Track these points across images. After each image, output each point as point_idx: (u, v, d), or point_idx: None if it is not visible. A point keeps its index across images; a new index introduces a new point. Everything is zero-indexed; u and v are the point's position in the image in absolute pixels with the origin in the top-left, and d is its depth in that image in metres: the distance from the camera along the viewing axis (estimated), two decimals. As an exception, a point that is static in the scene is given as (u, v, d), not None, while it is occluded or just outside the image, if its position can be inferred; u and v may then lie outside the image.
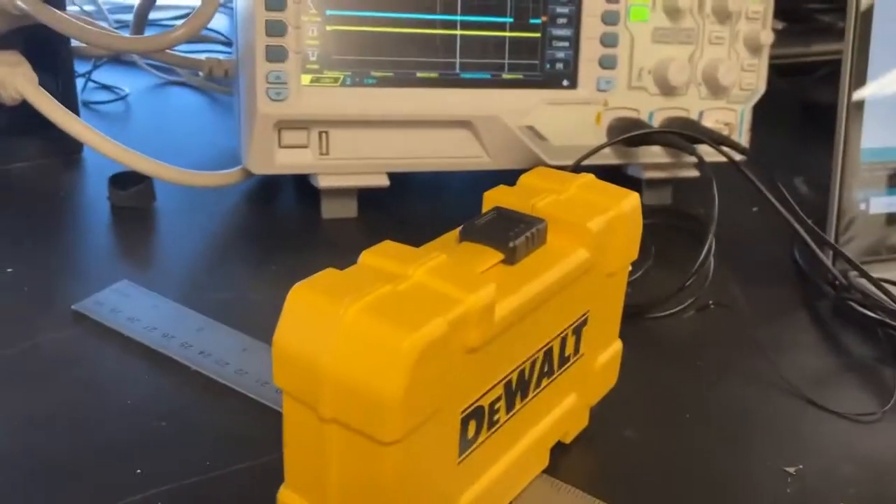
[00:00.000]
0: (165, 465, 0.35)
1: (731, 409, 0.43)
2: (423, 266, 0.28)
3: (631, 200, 0.36)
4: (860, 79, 0.55)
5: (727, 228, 0.63)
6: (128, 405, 0.38)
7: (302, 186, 0.58)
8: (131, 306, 0.44)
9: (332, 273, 0.27)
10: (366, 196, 0.56)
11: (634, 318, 0.49)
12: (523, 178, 0.37)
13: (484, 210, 0.34)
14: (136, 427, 0.37)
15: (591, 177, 0.37)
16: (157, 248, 0.52)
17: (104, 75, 0.81)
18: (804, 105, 0.95)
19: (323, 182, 0.53)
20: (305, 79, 0.51)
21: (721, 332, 0.49)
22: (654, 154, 0.60)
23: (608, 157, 0.59)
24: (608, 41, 0.56)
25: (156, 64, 0.80)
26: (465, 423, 0.29)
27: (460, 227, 0.32)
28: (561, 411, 0.36)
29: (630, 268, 0.50)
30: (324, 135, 0.52)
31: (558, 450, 0.38)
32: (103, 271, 0.48)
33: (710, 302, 0.48)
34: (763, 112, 0.69)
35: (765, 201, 0.54)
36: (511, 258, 0.31)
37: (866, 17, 0.55)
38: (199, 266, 0.50)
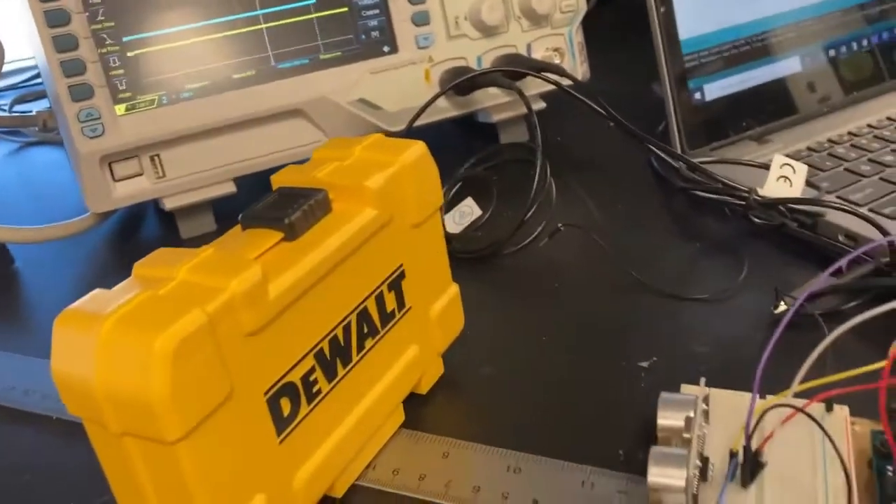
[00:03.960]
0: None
1: (587, 322, 0.44)
2: (187, 264, 0.28)
3: (415, 150, 0.36)
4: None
5: (588, 150, 0.65)
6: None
7: (162, 211, 0.58)
8: (-11, 372, 0.44)
9: (98, 293, 0.28)
10: (222, 206, 0.57)
11: (489, 259, 0.50)
12: (315, 152, 0.38)
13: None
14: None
15: (377, 137, 0.38)
16: (18, 309, 0.52)
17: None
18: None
19: (169, 204, 0.54)
20: (120, 109, 0.51)
21: (575, 251, 0.50)
22: (493, 96, 0.60)
23: (449, 111, 0.59)
24: (415, -2, 0.57)
25: (5, 129, 0.79)
26: (273, 402, 0.30)
27: (240, 216, 0.33)
28: (402, 366, 0.37)
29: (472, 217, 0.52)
30: (155, 158, 0.52)
31: (417, 402, 0.39)
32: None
33: (559, 225, 0.49)
34: (621, 27, 0.70)
35: (602, 117, 0.55)
36: (291, 234, 0.31)
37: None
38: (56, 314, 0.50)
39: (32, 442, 0.40)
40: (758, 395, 0.30)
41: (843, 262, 0.29)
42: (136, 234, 0.60)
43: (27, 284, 0.55)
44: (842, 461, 0.26)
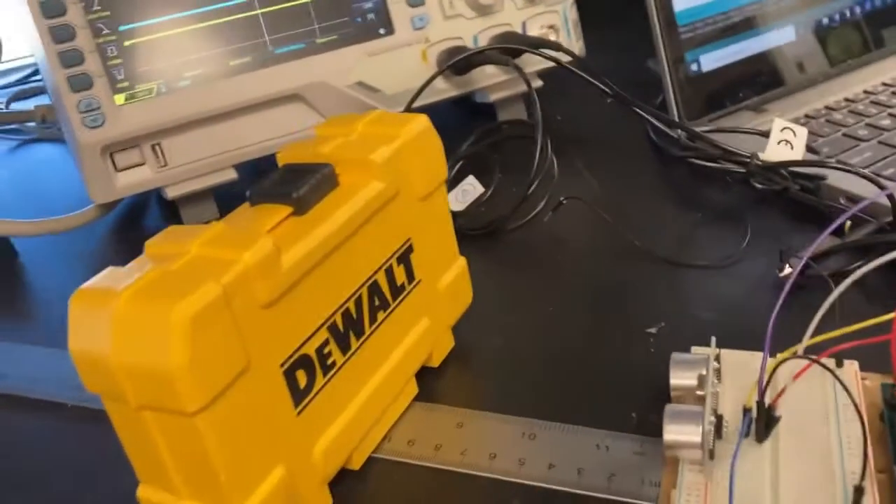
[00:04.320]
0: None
1: (594, 291, 0.44)
2: (198, 239, 0.28)
3: (418, 123, 0.36)
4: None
5: (587, 126, 0.65)
6: None
7: (164, 201, 0.58)
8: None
9: (112, 271, 0.28)
10: (223, 192, 0.57)
11: (495, 234, 0.50)
12: (317, 129, 0.38)
13: (280, 169, 0.35)
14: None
15: (379, 112, 0.38)
16: (24, 301, 0.53)
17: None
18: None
19: (171, 192, 0.54)
20: (119, 98, 0.51)
21: (579, 224, 0.50)
22: (491, 75, 0.61)
23: (447, 91, 0.59)
24: (409, -21, 0.57)
25: (7, 127, 0.79)
26: (290, 374, 0.30)
27: (247, 192, 0.33)
28: (414, 338, 0.37)
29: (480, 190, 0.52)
30: (157, 147, 0.52)
31: (430, 375, 0.39)
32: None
33: (562, 198, 0.49)
34: (616, 3, 0.70)
35: (599, 91, 0.55)
36: (300, 209, 0.32)
37: None
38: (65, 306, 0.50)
39: (46, 430, 0.40)
40: (769, 352, 0.30)
41: (843, 219, 0.29)
42: (139, 225, 0.60)
43: (31, 277, 0.55)
44: (857, 409, 0.26)
